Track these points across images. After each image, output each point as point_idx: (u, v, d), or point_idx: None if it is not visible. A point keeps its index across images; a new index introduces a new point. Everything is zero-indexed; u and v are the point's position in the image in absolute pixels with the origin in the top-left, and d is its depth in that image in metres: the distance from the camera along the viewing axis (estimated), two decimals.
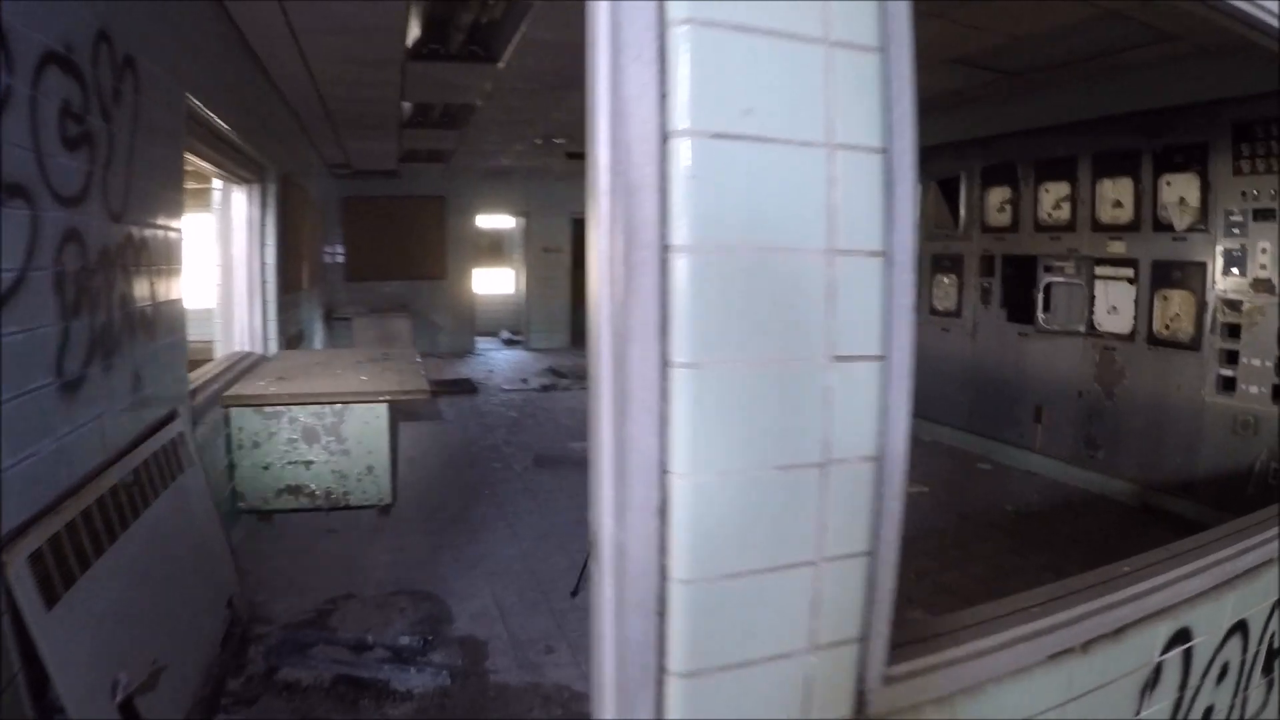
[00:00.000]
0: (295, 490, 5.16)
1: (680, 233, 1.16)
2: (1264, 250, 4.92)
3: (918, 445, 7.63)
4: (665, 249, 1.17)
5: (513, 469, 6.77)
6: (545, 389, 10.47)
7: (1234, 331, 5.09)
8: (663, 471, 1.21)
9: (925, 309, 7.86)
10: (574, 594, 4.17)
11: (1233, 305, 5.09)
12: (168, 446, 3.45)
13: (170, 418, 3.68)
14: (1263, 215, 4.92)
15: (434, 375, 10.71)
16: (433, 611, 4.01)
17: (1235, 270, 5.08)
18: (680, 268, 1.16)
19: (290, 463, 5.12)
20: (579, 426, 8.32)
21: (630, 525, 1.24)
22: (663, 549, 1.22)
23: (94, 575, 2.44)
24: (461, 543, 4.96)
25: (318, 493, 5.20)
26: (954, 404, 7.53)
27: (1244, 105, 4.93)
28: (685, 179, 1.15)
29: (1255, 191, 4.95)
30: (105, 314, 2.98)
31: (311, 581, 4.33)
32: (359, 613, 3.98)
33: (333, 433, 5.16)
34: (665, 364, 1.19)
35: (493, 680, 3.43)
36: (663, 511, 1.21)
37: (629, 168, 1.18)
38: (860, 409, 1.33)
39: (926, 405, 7.86)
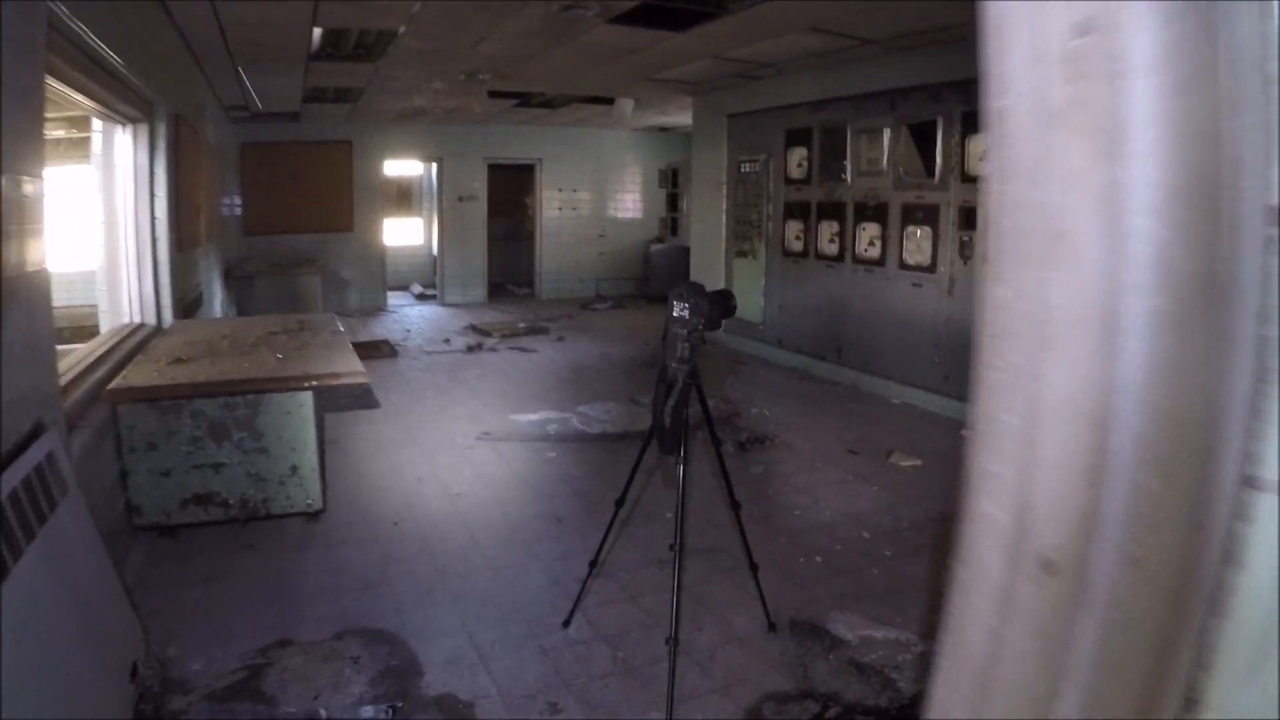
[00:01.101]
0: (204, 500, 4.24)
1: None
2: None
3: (889, 409, 7.27)
4: None
5: (454, 448, 5.96)
6: (471, 350, 9.58)
7: None
8: None
9: (894, 262, 7.35)
10: (566, 624, 3.47)
11: None
12: (31, 480, 2.53)
13: (34, 435, 2.74)
14: None
15: (347, 335, 9.70)
16: (394, 660, 3.24)
17: None
18: None
19: (196, 466, 4.19)
20: (518, 394, 7.53)
21: None
22: None
23: None
24: (412, 554, 4.17)
25: (232, 501, 4.30)
26: (926, 365, 7.08)
27: None
28: None
29: None
30: None
31: (234, 622, 3.48)
32: (300, 668, 3.17)
33: (246, 428, 4.25)
34: None
35: None
36: None
37: None
38: None
39: (895, 365, 7.40)
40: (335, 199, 12.23)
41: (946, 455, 5.83)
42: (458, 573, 3.97)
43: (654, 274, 13.69)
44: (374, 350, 9.13)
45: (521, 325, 10.95)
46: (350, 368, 4.42)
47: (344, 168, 12.25)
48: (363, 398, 7.19)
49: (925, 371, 7.10)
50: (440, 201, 13.21)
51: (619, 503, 3.38)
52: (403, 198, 15.15)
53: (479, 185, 13.05)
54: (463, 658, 3.25)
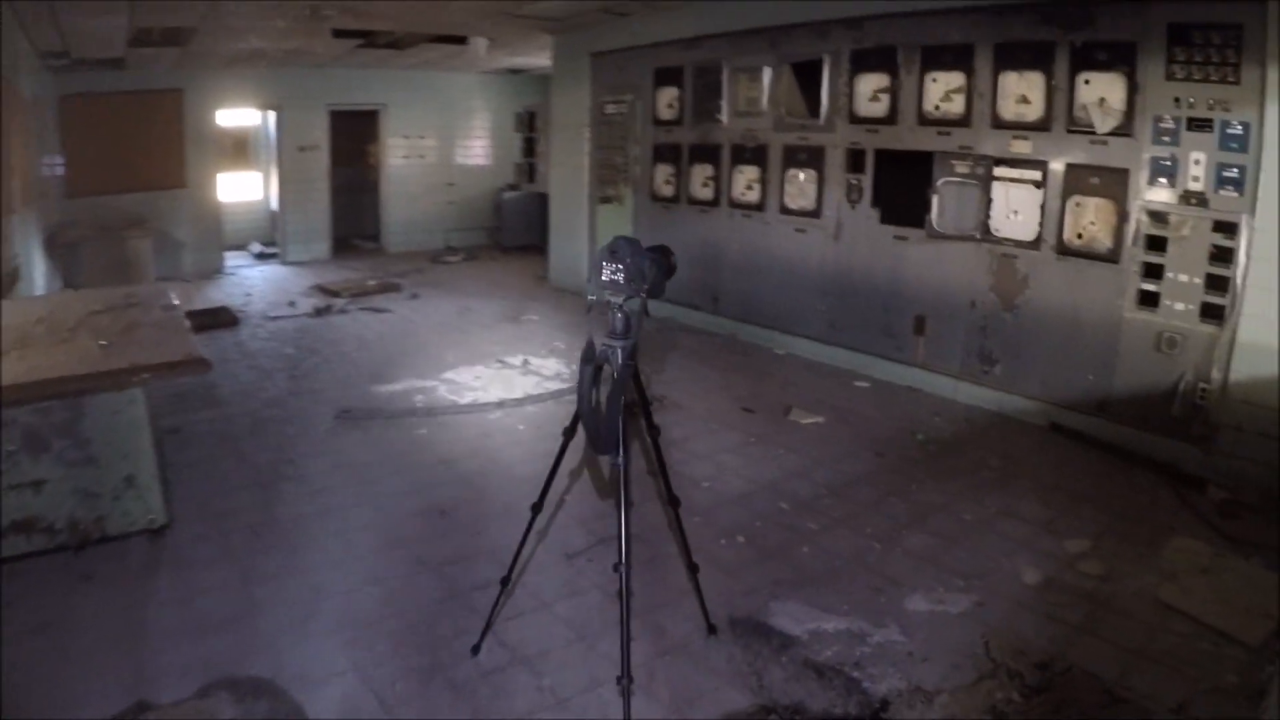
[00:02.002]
0: (25, 527, 3.36)
1: None
2: (1197, 162, 4.48)
3: (774, 360, 7.01)
4: None
5: (312, 432, 5.17)
6: (319, 312, 8.57)
7: (1158, 244, 4.68)
8: None
9: (775, 207, 7.04)
10: (476, 650, 2.91)
11: (1159, 217, 4.66)
12: None
13: None
14: (1198, 125, 4.46)
15: (183, 305, 8.42)
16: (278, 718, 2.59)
17: (1163, 180, 4.63)
18: None
19: (12, 488, 3.30)
20: (376, 362, 6.74)
21: None
22: None
23: None
24: (280, 572, 3.46)
25: (59, 526, 3.43)
26: (811, 313, 6.87)
27: (1180, 6, 4.45)
28: None
29: (1191, 99, 4.47)
30: None
31: (78, 681, 2.71)
32: None
33: (68, 435, 3.38)
34: None
35: None
36: None
37: None
38: None
39: (777, 315, 7.14)
40: (165, 153, 10.80)
41: (845, 410, 5.62)
42: (336, 590, 3.31)
43: (507, 223, 12.94)
44: (212, 319, 7.97)
45: (371, 283, 9.97)
46: (187, 352, 3.56)
47: (174, 119, 10.83)
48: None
49: (811, 320, 6.88)
50: (280, 153, 11.93)
51: (535, 508, 2.83)
52: (239, 150, 13.63)
53: (320, 134, 11.91)
54: (359, 707, 2.64)
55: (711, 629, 3.02)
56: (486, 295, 9.62)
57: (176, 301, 4.58)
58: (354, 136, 12.70)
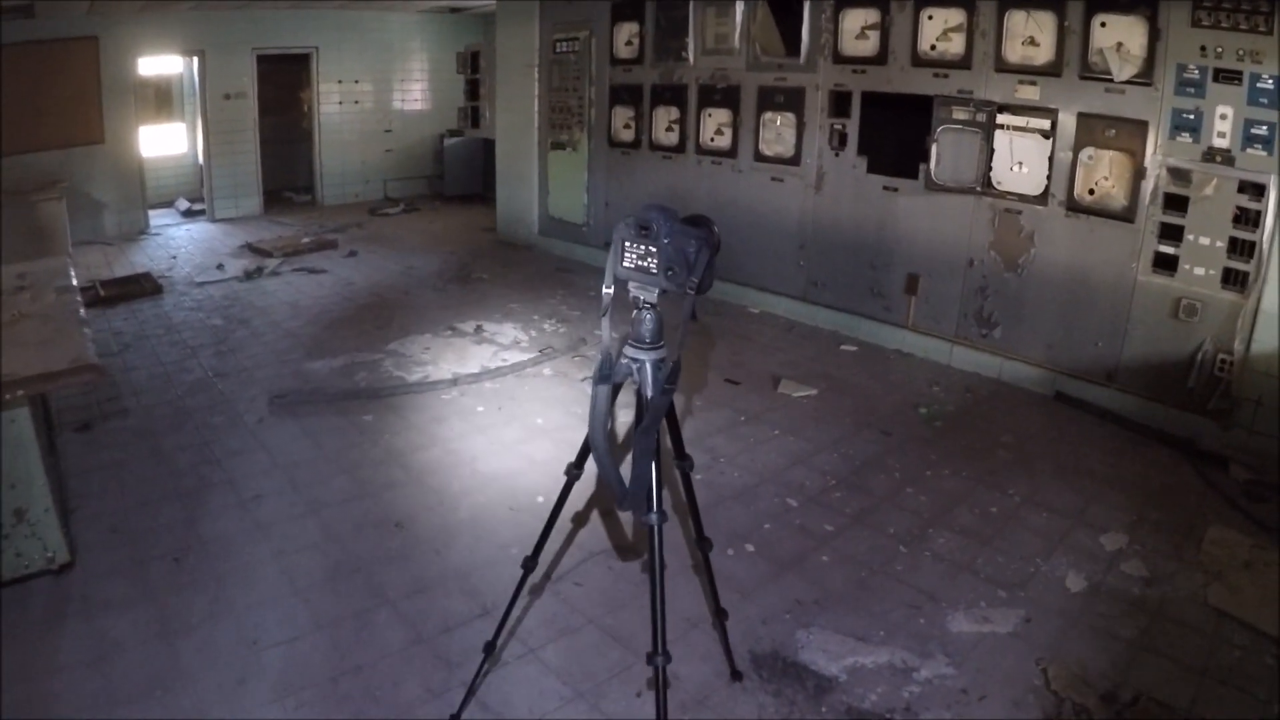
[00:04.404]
0: None
1: None
2: (1223, 117, 4.10)
3: (749, 320, 6.55)
4: None
5: (241, 423, 4.54)
6: (250, 276, 7.77)
7: (1177, 204, 4.32)
8: None
9: (748, 154, 6.51)
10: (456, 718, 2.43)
11: (1180, 175, 4.28)
12: None
13: None
14: (1226, 77, 4.06)
15: (100, 274, 7.57)
16: None
17: (1186, 135, 4.24)
18: None
19: None
20: (312, 332, 6.08)
21: None
22: None
23: None
24: (208, 616, 2.88)
25: None
26: (789, 270, 6.41)
27: None
28: None
29: (1219, 49, 4.06)
30: None
31: None
32: None
33: None
34: None
35: None
36: None
37: None
38: None
39: (750, 270, 6.66)
40: (80, 107, 9.68)
41: (837, 380, 5.21)
42: (277, 639, 2.77)
43: (449, 172, 12.13)
44: (132, 288, 7.12)
45: (306, 240, 9.14)
46: (75, 356, 2.89)
47: (89, 69, 9.69)
48: (107, 352, 5.43)
49: (788, 278, 6.43)
50: (204, 102, 10.86)
51: (528, 565, 2.32)
52: (161, 100, 12.36)
53: (248, 80, 10.87)
54: None
55: (736, 675, 2.59)
56: (430, 251, 8.91)
57: (75, 281, 3.84)
58: (284, 83, 11.67)
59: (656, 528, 1.90)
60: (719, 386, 5.14)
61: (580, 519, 3.45)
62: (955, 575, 3.22)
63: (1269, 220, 4.00)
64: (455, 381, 5.18)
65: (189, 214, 11.06)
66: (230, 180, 10.93)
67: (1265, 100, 3.95)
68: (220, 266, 8.10)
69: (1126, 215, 4.49)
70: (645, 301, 1.90)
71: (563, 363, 5.51)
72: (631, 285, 1.90)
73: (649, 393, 1.91)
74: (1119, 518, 3.63)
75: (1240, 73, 4.00)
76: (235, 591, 3.02)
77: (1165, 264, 4.39)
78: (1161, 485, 3.95)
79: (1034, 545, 3.43)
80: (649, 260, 1.85)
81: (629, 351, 1.95)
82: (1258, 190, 4.02)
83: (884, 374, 5.36)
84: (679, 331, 1.81)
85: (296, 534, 3.43)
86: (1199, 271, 4.27)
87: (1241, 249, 4.11)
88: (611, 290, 1.90)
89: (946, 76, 5.12)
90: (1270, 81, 3.92)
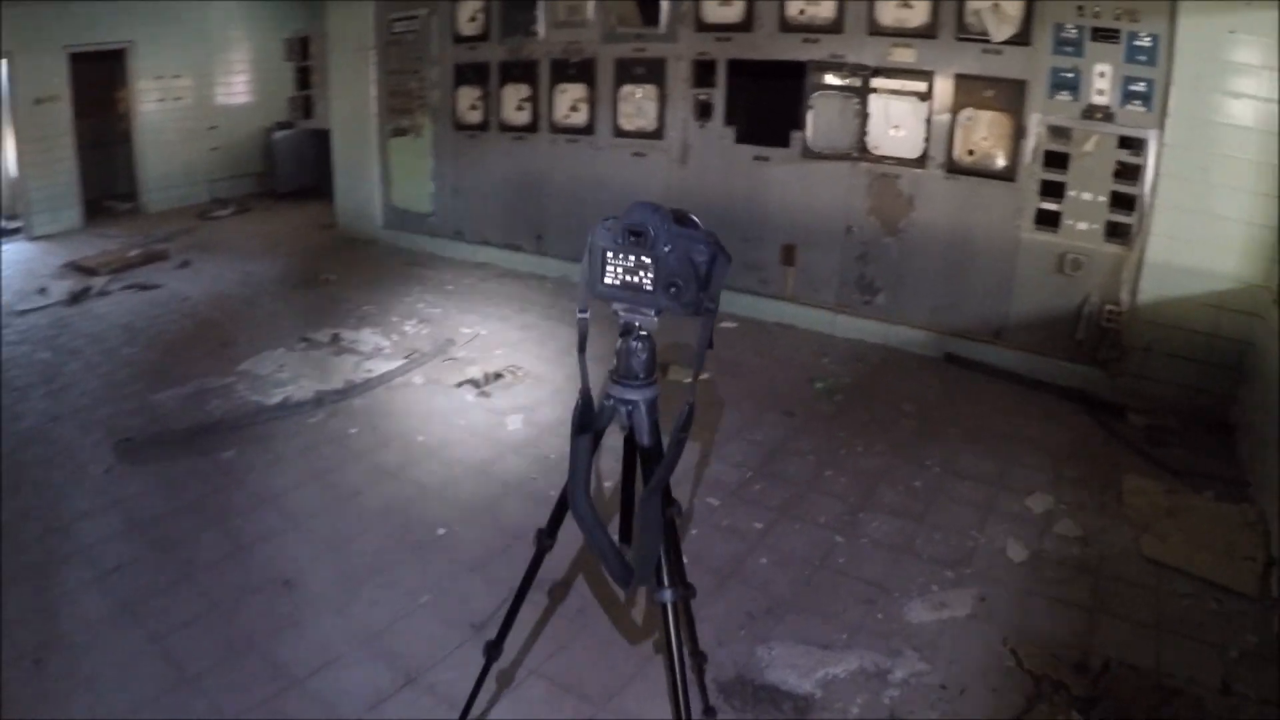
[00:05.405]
0: None
1: None
2: (1102, 75, 4.17)
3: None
4: None
5: (87, 476, 3.78)
6: (76, 299, 6.72)
7: (1058, 161, 4.37)
8: None
9: (606, 129, 6.19)
10: None
11: (1060, 132, 4.34)
12: None
13: None
14: (1103, 35, 4.14)
15: None
16: None
17: (1065, 94, 4.29)
18: None
19: None
20: (153, 358, 5.31)
21: None
22: None
23: None
24: None
25: None
26: None
27: None
28: None
29: (1096, 9, 4.13)
30: None
31: None
32: None
33: None
34: None
35: None
36: None
37: None
38: None
39: None
40: None
41: (726, 360, 5.00)
42: None
43: (280, 167, 11.14)
44: None
45: (134, 253, 8.07)
46: None
47: None
48: None
49: None
50: (14, 108, 9.44)
51: (491, 650, 1.94)
52: None
53: (60, 82, 9.55)
54: None
55: (709, 710, 2.29)
56: (269, 254, 8.08)
57: None
58: (100, 83, 10.39)
59: (671, 605, 1.55)
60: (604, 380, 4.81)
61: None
62: (898, 560, 3.06)
63: (1149, 174, 4.09)
64: (320, 401, 4.60)
65: (3, 233, 9.64)
66: (47, 192, 9.68)
67: (1143, 58, 4.05)
68: (43, 290, 6.99)
69: (1007, 174, 4.52)
70: (638, 327, 1.53)
71: (432, 368, 5.03)
72: (617, 307, 1.53)
73: (644, 440, 1.57)
74: (1038, 478, 3.63)
75: (1118, 31, 4.09)
76: (113, 695, 2.44)
77: (1048, 220, 4.44)
78: (1069, 440, 3.99)
79: (966, 517, 3.34)
80: (641, 275, 1.49)
81: (616, 391, 1.61)
82: (1137, 145, 4.10)
83: (769, 349, 5.22)
84: (693, 363, 1.49)
85: (171, 609, 2.85)
86: (1082, 226, 4.34)
87: (1124, 203, 4.19)
88: (588, 315, 1.53)
89: (818, 41, 4.99)
90: (1148, 39, 4.02)
